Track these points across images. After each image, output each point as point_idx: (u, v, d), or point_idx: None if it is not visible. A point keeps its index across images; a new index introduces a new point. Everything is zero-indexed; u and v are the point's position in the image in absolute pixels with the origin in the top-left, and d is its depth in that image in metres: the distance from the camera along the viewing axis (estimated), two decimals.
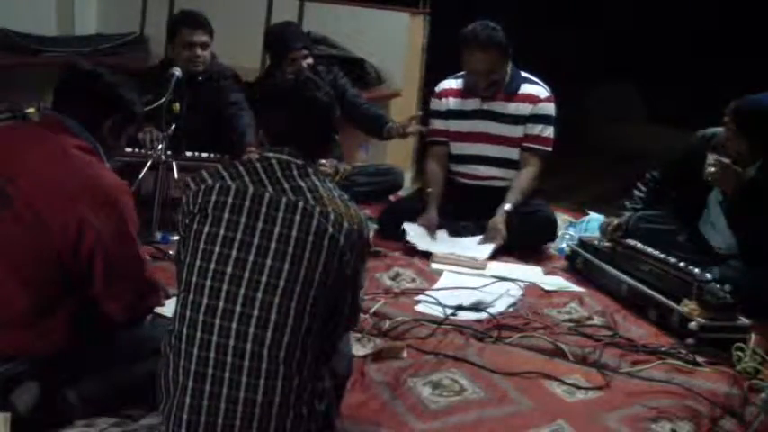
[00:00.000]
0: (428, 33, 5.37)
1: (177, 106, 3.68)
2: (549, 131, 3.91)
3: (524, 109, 3.89)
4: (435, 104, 4.06)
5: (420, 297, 3.20)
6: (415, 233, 3.74)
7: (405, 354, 2.72)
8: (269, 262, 1.88)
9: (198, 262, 1.91)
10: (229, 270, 1.89)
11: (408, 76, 5.31)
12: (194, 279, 1.91)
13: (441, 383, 2.54)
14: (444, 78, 4.08)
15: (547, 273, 3.62)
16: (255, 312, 1.87)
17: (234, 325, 1.87)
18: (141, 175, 3.46)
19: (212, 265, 1.89)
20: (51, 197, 2.10)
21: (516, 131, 3.91)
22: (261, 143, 2.08)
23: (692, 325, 2.87)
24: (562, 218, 4.25)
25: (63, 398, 2.16)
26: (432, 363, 2.67)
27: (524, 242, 3.82)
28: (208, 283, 1.89)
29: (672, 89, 6.92)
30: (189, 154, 3.78)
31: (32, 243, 2.09)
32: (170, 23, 4.20)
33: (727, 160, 3.25)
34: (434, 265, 3.56)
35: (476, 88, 3.89)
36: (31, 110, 3.80)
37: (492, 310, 3.08)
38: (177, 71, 3.69)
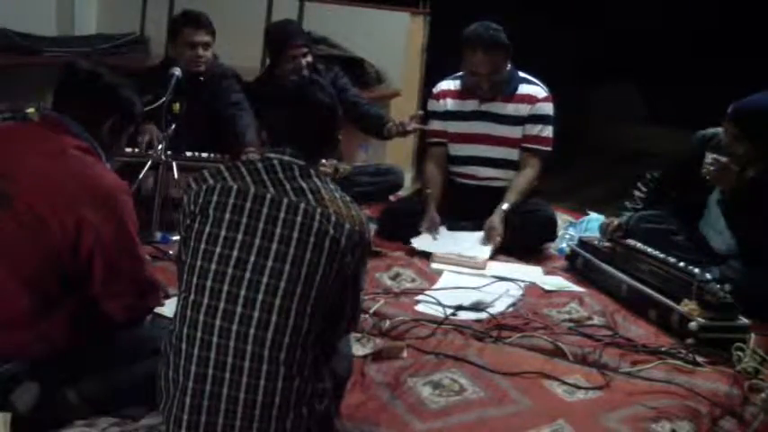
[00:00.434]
0: (428, 33, 5.37)
1: (177, 106, 3.68)
2: (548, 131, 3.91)
3: (523, 109, 3.89)
4: (433, 105, 4.06)
5: (420, 297, 3.21)
6: (420, 242, 3.71)
7: (405, 354, 2.72)
8: (270, 263, 1.88)
9: (199, 263, 1.91)
10: (230, 271, 1.89)
11: (408, 76, 5.31)
12: (195, 280, 1.91)
13: (441, 383, 2.54)
14: (444, 79, 4.08)
15: (547, 273, 3.62)
16: (256, 314, 1.87)
17: (234, 326, 1.87)
18: (141, 175, 3.46)
19: (213, 266, 1.89)
20: (51, 197, 2.10)
21: (515, 132, 3.90)
22: (263, 143, 2.08)
23: (692, 325, 2.86)
24: (562, 218, 4.25)
25: (63, 398, 2.16)
26: (432, 363, 2.67)
27: (524, 242, 3.82)
28: (209, 284, 1.89)
29: (672, 89, 6.92)
30: (189, 154, 3.78)
31: (32, 243, 2.09)
32: (172, 23, 4.20)
33: (725, 159, 3.25)
34: (434, 265, 3.56)
35: (476, 89, 3.89)
36: (31, 110, 3.80)
37: (492, 310, 3.08)
38: (177, 71, 3.68)
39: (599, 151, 6.77)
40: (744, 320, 2.92)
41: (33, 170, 2.13)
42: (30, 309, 2.11)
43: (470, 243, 3.74)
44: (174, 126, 3.61)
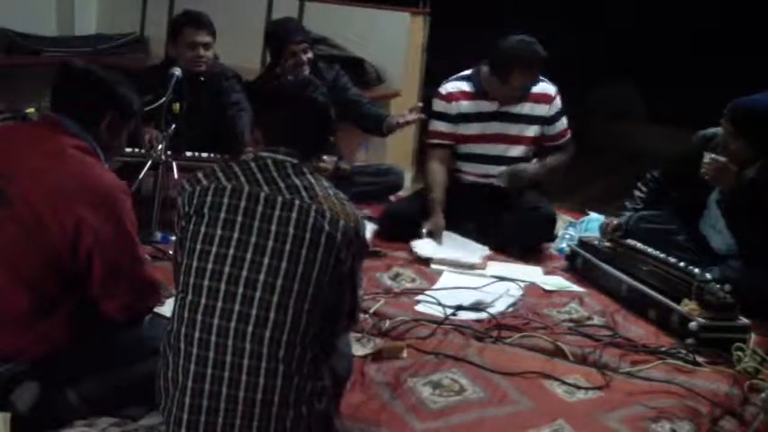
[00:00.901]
0: (428, 33, 5.37)
1: (177, 106, 3.68)
2: (565, 121, 3.99)
3: (540, 109, 3.92)
4: (442, 107, 3.94)
5: (420, 297, 3.20)
6: (422, 247, 3.69)
7: (405, 354, 2.72)
8: (266, 260, 1.89)
9: (195, 263, 1.91)
10: (227, 269, 1.89)
11: (408, 76, 5.31)
12: (192, 280, 1.91)
13: (441, 383, 2.55)
14: (444, 78, 4.05)
15: (547, 273, 3.62)
16: (254, 311, 1.87)
17: (233, 324, 1.87)
18: (141, 175, 3.45)
19: (210, 265, 1.90)
20: (50, 197, 2.09)
21: (530, 131, 3.93)
22: (256, 142, 2.08)
23: (692, 325, 2.86)
24: (562, 218, 4.25)
25: (63, 398, 2.17)
26: (432, 363, 2.67)
27: (524, 240, 3.82)
28: (206, 283, 1.89)
29: (672, 89, 6.92)
30: (189, 154, 3.78)
31: (31, 243, 2.09)
32: (173, 23, 4.20)
33: (723, 159, 3.26)
34: (434, 266, 3.56)
35: (506, 97, 3.86)
36: (30, 110, 3.80)
37: (492, 310, 3.08)
38: (177, 71, 3.68)
39: (599, 151, 6.76)
40: (744, 320, 2.92)
41: (32, 170, 2.13)
42: (29, 309, 2.11)
43: (470, 248, 3.73)
44: (174, 126, 3.60)
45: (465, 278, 3.43)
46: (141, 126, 3.63)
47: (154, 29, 5.78)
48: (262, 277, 1.88)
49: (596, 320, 3.10)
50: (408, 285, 3.35)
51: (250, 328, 1.87)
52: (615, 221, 3.62)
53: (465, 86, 3.94)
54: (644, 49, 7.23)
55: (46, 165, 2.13)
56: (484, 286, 3.32)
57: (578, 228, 4.11)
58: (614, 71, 7.57)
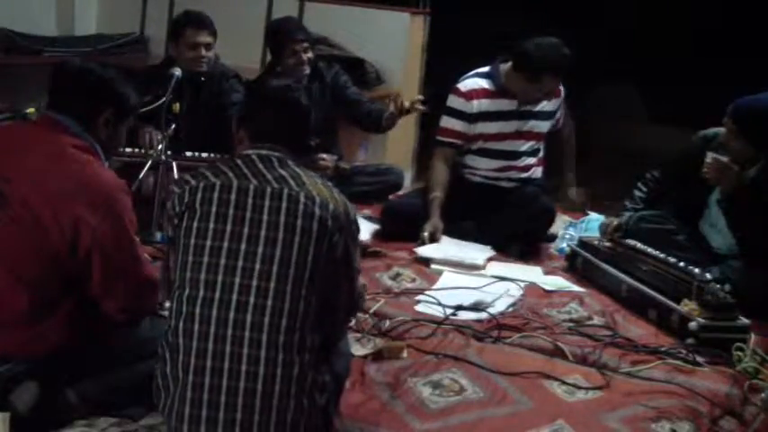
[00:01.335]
0: (428, 33, 5.37)
1: (177, 106, 3.68)
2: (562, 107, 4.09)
3: (551, 105, 3.97)
4: (460, 104, 3.86)
5: (420, 297, 3.21)
6: (427, 252, 3.69)
7: (405, 354, 2.72)
8: (260, 249, 1.91)
9: (191, 258, 1.93)
10: (223, 261, 1.91)
11: (408, 76, 5.31)
12: (188, 275, 1.92)
13: (441, 383, 2.55)
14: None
15: (547, 273, 3.63)
16: (252, 299, 1.89)
17: (231, 314, 1.88)
18: (141, 175, 3.45)
19: (205, 258, 1.91)
20: (49, 197, 2.09)
21: (545, 126, 4.00)
22: (240, 142, 2.11)
23: (692, 325, 2.86)
24: (562, 218, 4.26)
25: (63, 398, 2.16)
26: (432, 363, 2.67)
27: (521, 227, 3.84)
28: (202, 276, 1.91)
29: (673, 89, 6.91)
30: (189, 154, 3.77)
31: (30, 243, 2.09)
32: (174, 23, 4.20)
33: (725, 159, 3.26)
34: (435, 266, 3.56)
35: (529, 97, 3.86)
36: (30, 110, 3.79)
37: (492, 310, 3.08)
38: (177, 71, 3.68)
39: (599, 151, 6.76)
40: (744, 320, 2.92)
41: (32, 170, 2.12)
42: (29, 309, 2.11)
43: (473, 250, 3.73)
44: (174, 126, 3.61)
45: (465, 278, 3.43)
46: (140, 124, 3.63)
47: (154, 29, 5.78)
48: (257, 266, 1.90)
49: (596, 320, 3.10)
50: (408, 285, 3.36)
51: (249, 317, 1.88)
52: (615, 221, 3.63)
53: (485, 84, 3.88)
54: (644, 50, 7.22)
55: (45, 166, 2.13)
56: (484, 286, 3.32)
57: (578, 228, 4.11)
58: (614, 71, 7.56)
